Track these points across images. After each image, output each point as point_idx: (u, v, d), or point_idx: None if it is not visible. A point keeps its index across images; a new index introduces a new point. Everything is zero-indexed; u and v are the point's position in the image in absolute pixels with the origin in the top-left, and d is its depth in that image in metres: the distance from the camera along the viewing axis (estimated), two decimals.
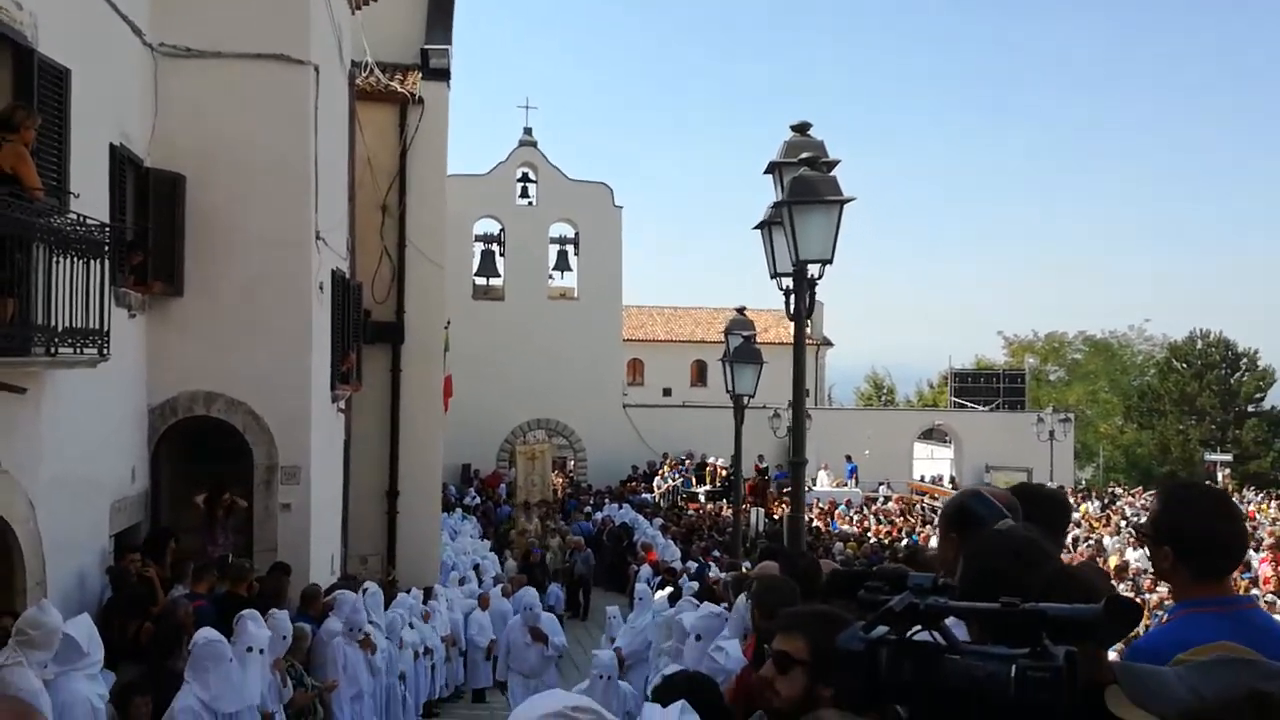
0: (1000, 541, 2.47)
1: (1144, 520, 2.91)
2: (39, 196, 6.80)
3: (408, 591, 13.76)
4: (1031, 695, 1.63)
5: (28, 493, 7.41)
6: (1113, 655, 2.56)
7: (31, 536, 7.47)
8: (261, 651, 6.73)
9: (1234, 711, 1.54)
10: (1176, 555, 2.68)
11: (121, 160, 9.33)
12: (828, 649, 2.06)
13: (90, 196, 8.16)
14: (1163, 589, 18.41)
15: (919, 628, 1.75)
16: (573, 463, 31.87)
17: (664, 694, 3.93)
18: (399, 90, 16.33)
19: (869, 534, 25.46)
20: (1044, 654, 1.67)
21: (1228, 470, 38.88)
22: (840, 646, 1.75)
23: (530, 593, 11.70)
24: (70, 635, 5.77)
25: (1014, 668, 1.65)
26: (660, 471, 30.93)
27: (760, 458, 28.48)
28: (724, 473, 29.68)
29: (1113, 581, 19.69)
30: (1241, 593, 3.26)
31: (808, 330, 9.22)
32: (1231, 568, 2.80)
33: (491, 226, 31.25)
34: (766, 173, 9.16)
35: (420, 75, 16.82)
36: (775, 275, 9.34)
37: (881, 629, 1.74)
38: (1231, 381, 47.98)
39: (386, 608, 11.70)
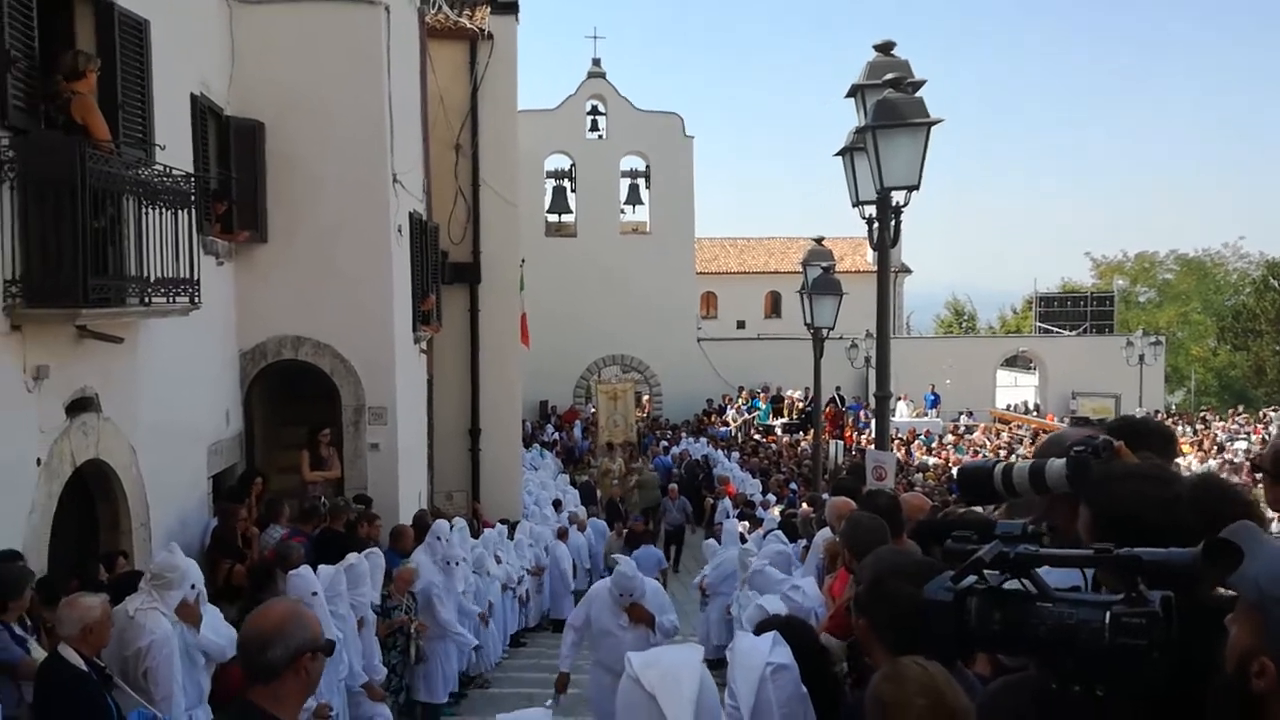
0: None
1: (1264, 453, 2.77)
2: (107, 149, 6.81)
3: (493, 526, 14.11)
4: (1126, 641, 1.60)
5: (129, 438, 7.71)
6: None
7: (134, 480, 7.79)
8: (316, 595, 6.77)
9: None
10: None
11: (203, 110, 9.48)
12: None
13: (174, 147, 8.31)
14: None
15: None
16: (648, 398, 32.02)
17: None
18: (468, 26, 16.24)
19: (950, 465, 25.23)
20: (1139, 599, 1.63)
21: None
22: (927, 596, 1.73)
23: (628, 565, 7.36)
24: None
25: (1107, 614, 1.62)
26: (735, 405, 30.91)
27: (838, 388, 28.28)
28: (800, 405, 29.52)
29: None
30: None
31: None
32: None
33: (562, 162, 31.11)
34: (848, 96, 8.77)
35: (489, 9, 16.70)
36: (858, 204, 9.04)
37: (970, 578, 1.72)
38: None
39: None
